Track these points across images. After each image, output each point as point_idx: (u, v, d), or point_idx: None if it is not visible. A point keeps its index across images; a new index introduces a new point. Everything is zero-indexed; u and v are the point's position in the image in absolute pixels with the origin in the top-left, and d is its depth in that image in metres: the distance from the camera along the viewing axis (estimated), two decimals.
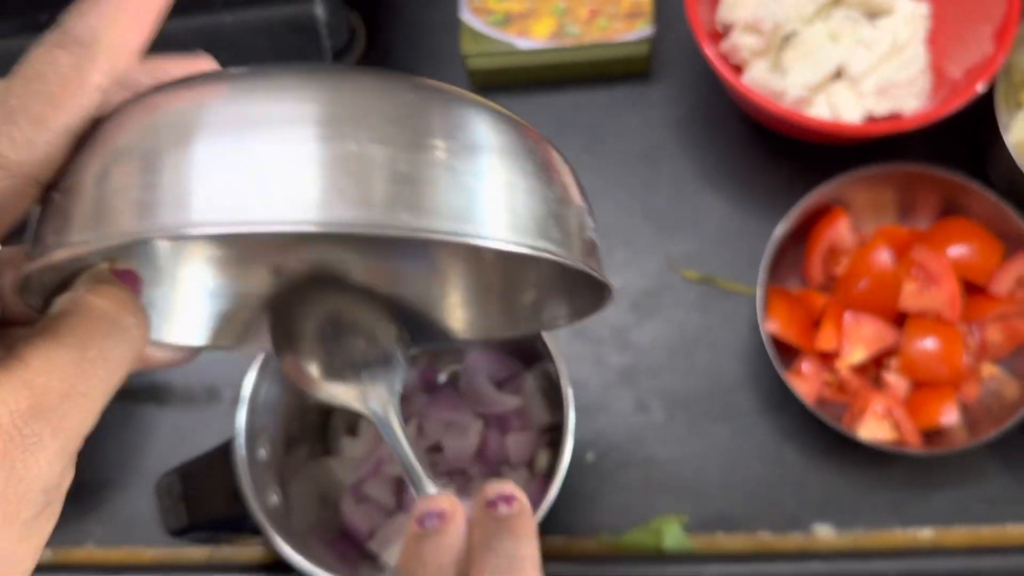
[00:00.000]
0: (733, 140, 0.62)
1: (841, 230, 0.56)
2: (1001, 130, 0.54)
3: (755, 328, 0.58)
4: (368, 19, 0.65)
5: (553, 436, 0.51)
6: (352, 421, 0.54)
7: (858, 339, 0.53)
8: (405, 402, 0.52)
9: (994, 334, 0.54)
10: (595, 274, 0.23)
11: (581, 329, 0.58)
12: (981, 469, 0.55)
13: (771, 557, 0.53)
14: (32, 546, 0.22)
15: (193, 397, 0.60)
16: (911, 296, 0.53)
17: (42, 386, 0.21)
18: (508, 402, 0.49)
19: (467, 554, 0.27)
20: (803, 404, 0.51)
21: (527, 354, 0.51)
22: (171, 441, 0.60)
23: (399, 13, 0.65)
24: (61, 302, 0.23)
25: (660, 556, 0.53)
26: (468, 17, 0.59)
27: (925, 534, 0.54)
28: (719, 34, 0.58)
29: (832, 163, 0.56)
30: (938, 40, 0.57)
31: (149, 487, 0.58)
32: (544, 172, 0.22)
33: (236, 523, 0.44)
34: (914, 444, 0.51)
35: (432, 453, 0.51)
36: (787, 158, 0.61)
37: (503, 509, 0.27)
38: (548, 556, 0.54)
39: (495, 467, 0.51)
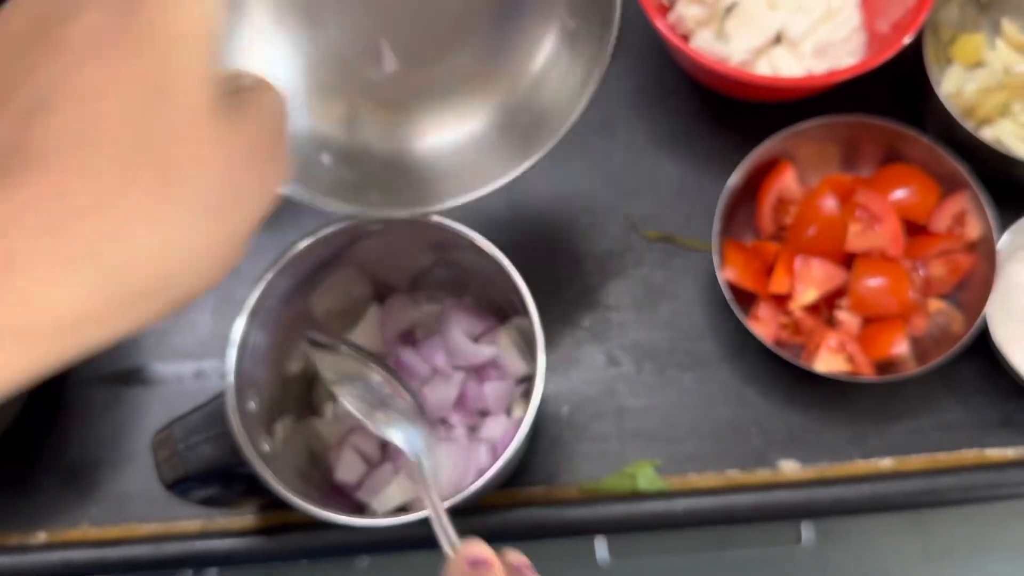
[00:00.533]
0: (684, 106, 0.65)
1: (788, 181, 0.59)
2: (933, 84, 0.58)
3: (714, 280, 0.61)
4: None
5: (528, 386, 0.54)
6: None
7: (809, 280, 0.56)
8: (384, 357, 0.55)
9: (937, 269, 0.57)
10: None
11: (554, 290, 0.61)
12: (935, 400, 0.58)
13: (738, 489, 0.56)
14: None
15: (181, 379, 0.62)
16: (856, 237, 0.57)
17: None
18: (484, 351, 0.52)
19: None
20: (763, 346, 0.54)
21: (501, 310, 0.54)
22: (159, 422, 0.61)
23: None
24: None
25: (635, 495, 0.56)
26: None
27: (885, 463, 0.57)
28: (665, 7, 0.62)
29: (778, 122, 0.59)
30: (869, 1, 0.61)
31: (140, 466, 0.60)
32: None
33: (229, 472, 0.46)
34: (868, 375, 0.54)
35: None
36: (735, 119, 0.64)
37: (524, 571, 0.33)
38: (531, 503, 0.57)
39: (474, 415, 0.53)
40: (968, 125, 0.56)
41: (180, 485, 0.46)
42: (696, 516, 0.55)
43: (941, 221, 0.57)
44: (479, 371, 0.53)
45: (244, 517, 0.58)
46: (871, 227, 0.56)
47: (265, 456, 0.44)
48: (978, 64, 0.63)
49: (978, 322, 0.53)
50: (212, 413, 0.45)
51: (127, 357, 0.62)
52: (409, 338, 0.55)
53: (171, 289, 0.24)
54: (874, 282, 0.56)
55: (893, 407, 0.58)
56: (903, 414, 0.58)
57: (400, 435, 0.44)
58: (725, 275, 0.56)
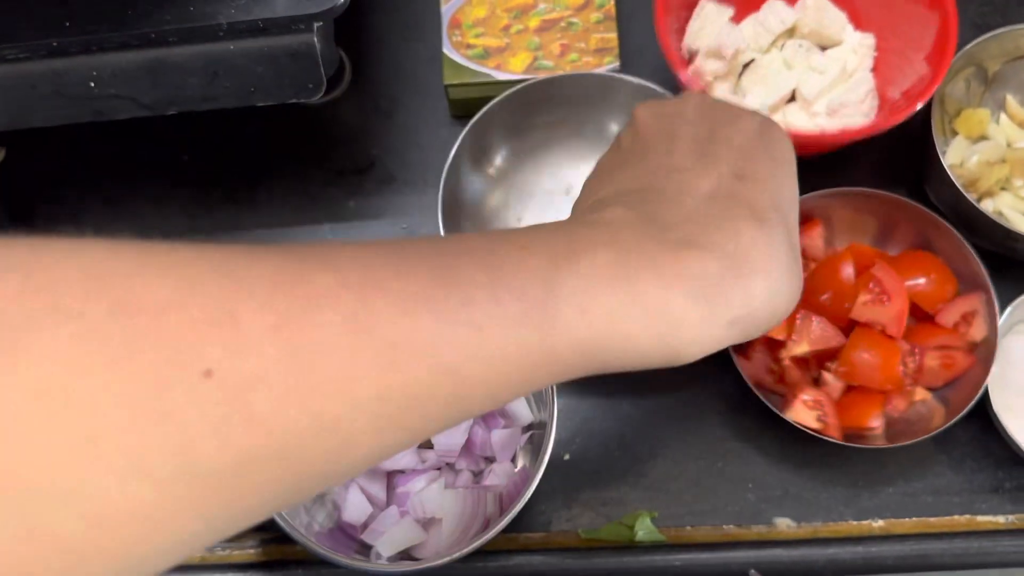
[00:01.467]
0: None
1: (815, 238, 0.60)
2: (939, 154, 0.59)
3: None
4: (353, 52, 0.69)
5: (535, 434, 0.55)
6: None
7: (805, 334, 0.57)
8: None
9: (933, 360, 0.58)
10: None
11: None
12: (928, 465, 0.60)
13: (736, 545, 0.57)
14: None
15: None
16: (863, 306, 0.58)
17: None
18: None
19: None
20: (764, 406, 0.55)
21: None
22: None
23: (384, 48, 0.70)
24: None
25: (633, 546, 0.57)
26: (450, 51, 0.63)
27: (877, 525, 0.59)
28: (685, 62, 0.63)
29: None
30: (882, 67, 0.63)
31: None
32: None
33: None
34: (832, 433, 0.56)
35: (422, 449, 0.54)
36: None
37: None
38: (530, 549, 0.58)
39: (480, 461, 0.54)
40: (970, 197, 0.58)
41: None
42: (693, 571, 0.56)
43: (950, 316, 0.59)
44: (487, 418, 0.54)
45: (244, 550, 0.59)
46: (880, 302, 0.57)
47: None
48: (982, 137, 0.64)
49: (956, 419, 0.55)
50: None
51: None
52: None
53: (769, 323, 0.32)
54: (867, 354, 0.57)
55: (886, 470, 0.60)
56: (896, 477, 0.60)
57: None
58: None
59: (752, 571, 0.56)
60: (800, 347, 0.57)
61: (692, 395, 0.62)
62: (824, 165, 0.63)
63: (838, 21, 0.64)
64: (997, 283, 0.58)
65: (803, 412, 0.56)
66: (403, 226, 0.66)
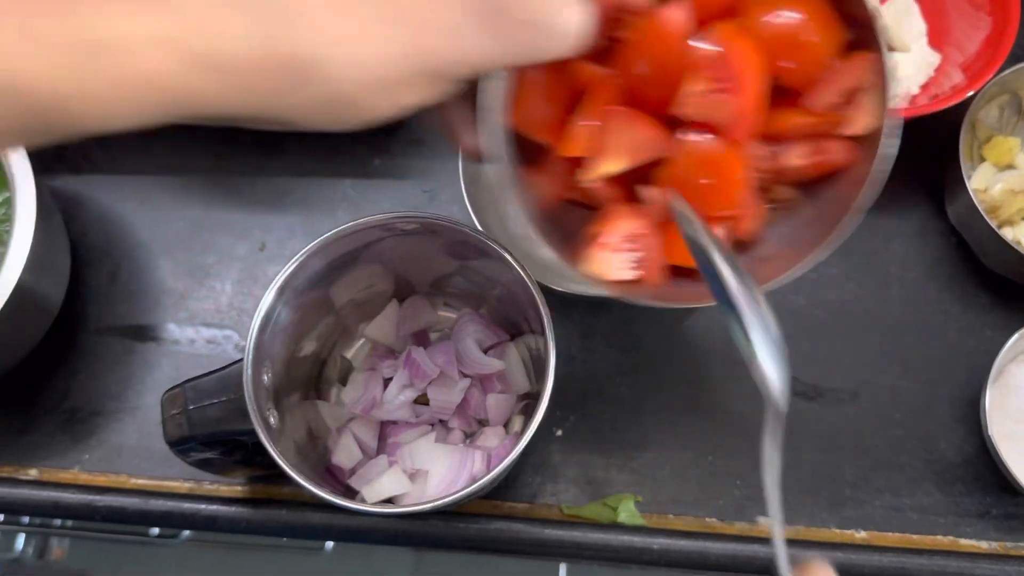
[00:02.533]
0: None
1: None
2: (965, 177, 0.60)
3: (721, 330, 0.63)
4: None
5: (528, 404, 0.55)
6: (344, 372, 0.58)
7: (617, 146, 0.39)
8: (397, 354, 0.57)
9: (795, 159, 0.41)
10: None
11: (564, 314, 0.63)
12: (916, 481, 0.60)
13: (716, 536, 0.57)
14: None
15: (193, 343, 0.64)
16: (691, 98, 0.38)
17: None
18: (493, 363, 0.53)
19: None
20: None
21: (514, 326, 0.56)
22: (166, 381, 0.63)
23: None
24: None
25: (614, 526, 0.57)
26: None
27: (860, 536, 0.59)
28: None
29: None
30: (930, 87, 0.63)
31: (139, 422, 0.62)
32: None
33: (232, 438, 0.47)
34: (655, 283, 0.41)
35: (418, 404, 0.55)
36: None
37: None
38: (512, 517, 0.58)
39: (473, 423, 0.55)
40: (991, 222, 0.58)
41: (183, 444, 0.47)
42: (671, 556, 0.56)
43: (824, 95, 0.40)
44: (484, 381, 0.55)
45: (232, 486, 0.59)
46: (718, 92, 0.37)
47: (271, 428, 0.45)
48: (1009, 166, 0.64)
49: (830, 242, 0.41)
50: (226, 379, 0.46)
51: (144, 313, 0.64)
52: (423, 338, 0.57)
53: (321, 80, 0.27)
54: (697, 172, 0.39)
55: (874, 481, 0.60)
56: (883, 490, 0.60)
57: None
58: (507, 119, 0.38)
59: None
60: (607, 165, 0.39)
61: (690, 386, 0.62)
62: None
63: (916, 31, 0.65)
64: (1008, 310, 0.58)
65: (607, 262, 0.40)
66: (425, 189, 0.67)
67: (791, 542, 0.57)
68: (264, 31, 0.26)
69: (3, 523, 0.91)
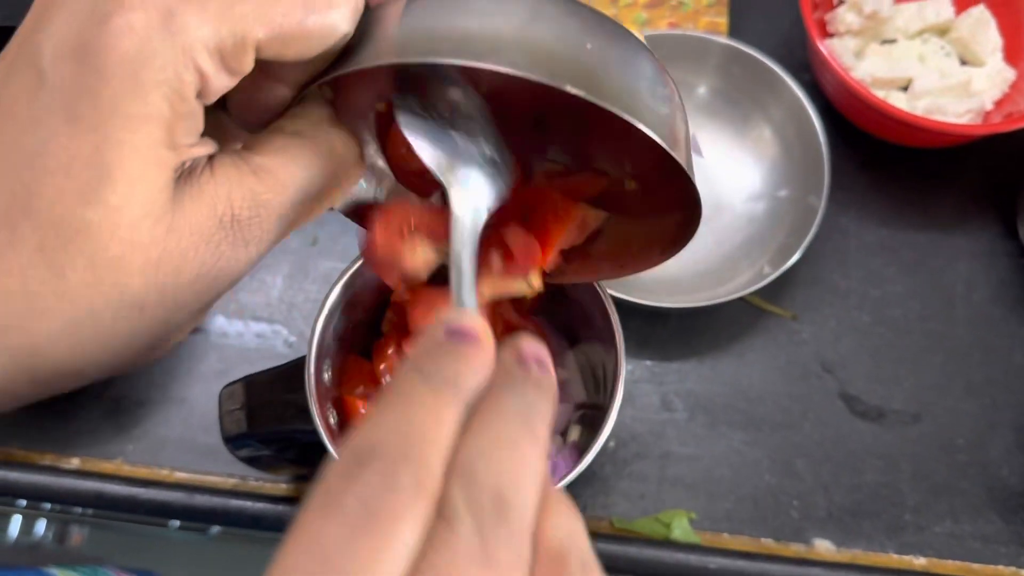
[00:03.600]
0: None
1: None
2: None
3: (785, 346, 0.61)
4: None
5: (586, 414, 0.54)
6: None
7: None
8: None
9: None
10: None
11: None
12: (978, 509, 0.58)
13: (773, 558, 0.55)
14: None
15: (242, 337, 0.62)
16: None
17: (266, 204, 0.25)
18: (557, 373, 0.52)
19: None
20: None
21: (571, 332, 0.54)
22: (213, 374, 0.62)
23: None
24: (307, 117, 0.26)
25: (669, 543, 0.56)
26: None
27: (919, 562, 0.57)
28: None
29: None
30: (1005, 104, 0.62)
31: (184, 413, 0.61)
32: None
33: (289, 438, 0.46)
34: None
35: None
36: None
37: (535, 371, 0.24)
38: None
39: None
40: None
41: (239, 441, 0.46)
42: None
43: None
44: None
45: (277, 485, 0.58)
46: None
47: (332, 429, 0.44)
48: None
49: None
50: (286, 376, 0.45)
51: None
52: None
53: (80, 374, 0.26)
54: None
55: (935, 507, 0.58)
56: (944, 516, 0.58)
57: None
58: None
59: None
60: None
61: (748, 401, 0.60)
62: (919, 177, 0.62)
63: (991, 44, 0.63)
64: None
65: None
66: None
67: (848, 567, 0.56)
68: None
69: (25, 508, 0.90)
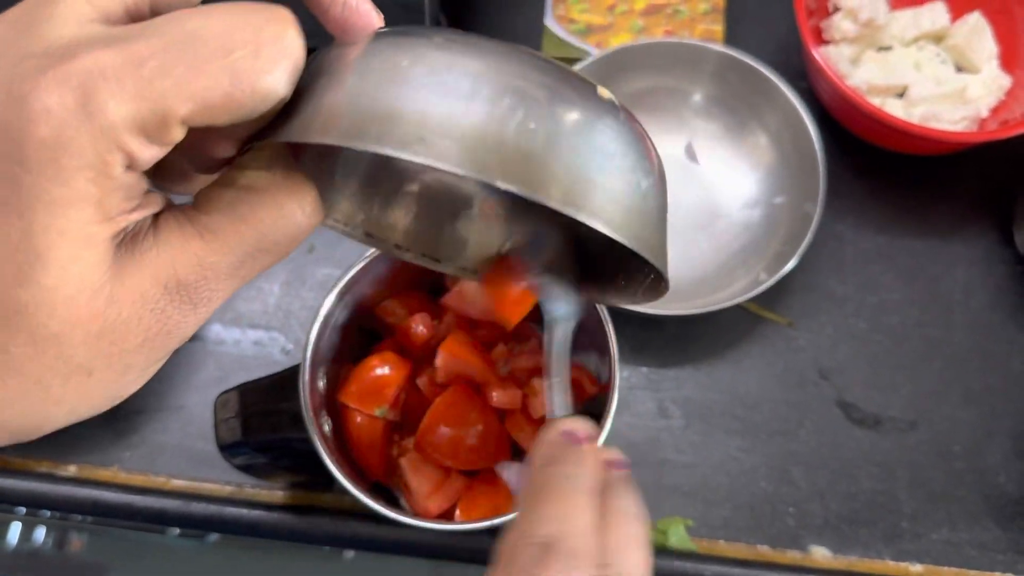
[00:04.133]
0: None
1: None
2: None
3: (782, 353, 0.61)
4: (452, 19, 0.69)
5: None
6: None
7: None
8: None
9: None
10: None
11: (617, 331, 0.61)
12: (975, 517, 0.58)
13: (770, 566, 0.55)
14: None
15: (239, 344, 0.63)
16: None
17: (212, 266, 0.24)
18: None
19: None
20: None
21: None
22: (210, 382, 0.62)
23: (485, 17, 0.69)
24: (260, 168, 0.26)
25: (665, 551, 0.56)
26: (552, 24, 0.62)
27: (915, 569, 0.57)
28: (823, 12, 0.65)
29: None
30: (1001, 111, 0.62)
31: (181, 421, 0.61)
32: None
33: (284, 446, 0.46)
34: None
35: None
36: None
37: (622, 470, 0.30)
38: None
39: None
40: None
41: (235, 449, 0.46)
42: None
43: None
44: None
45: (272, 491, 0.58)
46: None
47: (326, 437, 0.44)
48: None
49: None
50: (280, 384, 0.45)
51: None
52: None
53: (38, 429, 0.26)
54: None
55: (931, 514, 0.58)
56: (941, 524, 0.58)
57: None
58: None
59: None
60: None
61: (745, 410, 0.60)
62: (916, 184, 0.62)
63: (987, 52, 0.63)
64: None
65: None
66: None
67: (844, 573, 0.56)
68: None
69: (24, 515, 0.90)
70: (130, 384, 0.26)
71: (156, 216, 0.25)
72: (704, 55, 0.61)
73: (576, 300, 0.34)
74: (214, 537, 0.82)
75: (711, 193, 0.63)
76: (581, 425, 0.29)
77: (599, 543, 0.27)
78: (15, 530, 1.00)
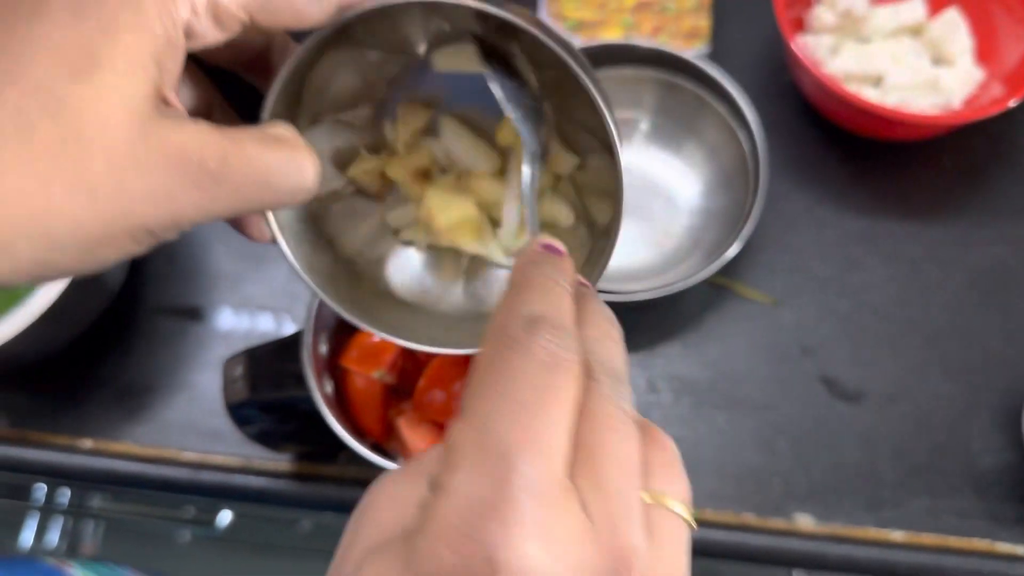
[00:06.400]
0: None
1: None
2: None
3: (765, 330, 0.64)
4: None
5: None
6: None
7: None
8: None
9: None
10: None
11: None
12: (954, 487, 0.60)
13: (754, 530, 0.57)
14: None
15: (247, 325, 0.65)
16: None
17: (231, 166, 0.27)
18: None
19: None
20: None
21: None
22: (219, 361, 0.64)
23: None
24: (278, 127, 0.29)
25: None
26: (545, 20, 0.66)
27: (896, 536, 0.59)
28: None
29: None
30: (973, 103, 0.65)
31: (191, 398, 0.63)
32: None
33: (290, 406, 0.49)
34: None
35: None
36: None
37: (592, 289, 0.31)
38: None
39: None
40: None
41: (241, 409, 0.49)
42: (709, 547, 0.57)
43: None
44: None
45: (279, 462, 0.61)
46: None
47: (327, 396, 0.47)
48: None
49: None
50: (285, 347, 0.48)
51: (200, 295, 0.66)
52: None
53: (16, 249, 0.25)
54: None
55: (912, 484, 0.60)
56: (922, 493, 0.60)
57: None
58: None
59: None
60: None
61: (731, 385, 0.63)
62: (896, 170, 0.64)
63: (962, 47, 0.66)
64: None
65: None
66: None
67: (828, 538, 0.58)
68: None
69: (42, 506, 0.93)
70: (114, 243, 0.27)
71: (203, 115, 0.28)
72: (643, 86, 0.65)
73: (542, 141, 0.36)
74: (225, 521, 0.86)
75: (668, 185, 0.66)
76: (558, 241, 0.30)
77: (579, 334, 0.27)
78: (29, 531, 1.02)
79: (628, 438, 0.25)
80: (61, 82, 0.24)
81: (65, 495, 0.97)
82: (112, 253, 0.27)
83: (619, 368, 0.27)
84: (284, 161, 0.28)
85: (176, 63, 0.27)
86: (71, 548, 1.09)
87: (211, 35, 0.27)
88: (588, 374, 0.26)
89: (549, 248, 0.30)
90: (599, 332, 0.28)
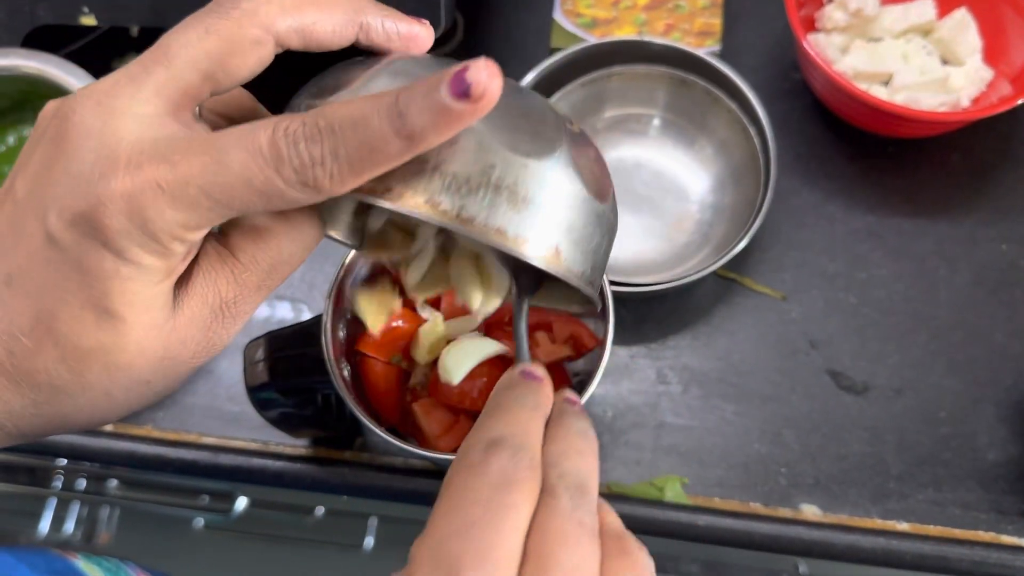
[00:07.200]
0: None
1: None
2: None
3: (774, 324, 0.65)
4: (468, 15, 0.73)
5: (581, 379, 0.58)
6: None
7: None
8: None
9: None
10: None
11: (620, 302, 0.65)
12: (959, 479, 0.61)
13: (761, 518, 0.58)
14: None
15: (266, 315, 0.67)
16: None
17: (245, 282, 0.30)
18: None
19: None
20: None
21: None
22: (236, 349, 0.66)
23: (498, 14, 0.74)
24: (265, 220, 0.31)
25: (660, 502, 0.59)
26: (560, 18, 0.67)
27: (902, 527, 0.60)
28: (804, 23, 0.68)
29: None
30: (981, 102, 0.65)
31: (211, 384, 0.65)
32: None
33: (308, 389, 0.50)
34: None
35: None
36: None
37: (580, 408, 0.34)
38: None
39: None
40: None
41: (261, 391, 0.50)
42: (716, 534, 0.58)
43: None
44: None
45: (296, 448, 0.62)
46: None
47: (346, 381, 0.48)
48: None
49: None
50: (305, 332, 0.49)
51: None
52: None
53: (100, 423, 0.32)
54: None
55: (917, 476, 0.61)
56: (927, 485, 0.61)
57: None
58: None
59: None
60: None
61: (739, 377, 0.64)
62: (904, 167, 0.65)
63: (971, 47, 0.67)
64: None
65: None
66: None
67: (833, 527, 0.59)
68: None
69: (61, 491, 0.94)
70: (178, 384, 0.32)
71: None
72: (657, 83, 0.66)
73: (528, 289, 0.39)
74: (241, 507, 0.87)
75: (679, 180, 0.68)
76: (540, 369, 0.33)
77: (545, 449, 0.30)
78: (46, 520, 1.04)
79: (580, 550, 0.27)
80: (88, 333, 0.28)
81: (81, 484, 0.99)
82: (175, 390, 0.35)
83: (584, 481, 0.29)
84: (286, 239, 0.31)
85: (185, 258, 0.29)
86: (86, 537, 1.11)
87: (204, 232, 0.29)
88: (547, 489, 0.28)
89: (527, 375, 0.32)
90: (565, 446, 0.30)
